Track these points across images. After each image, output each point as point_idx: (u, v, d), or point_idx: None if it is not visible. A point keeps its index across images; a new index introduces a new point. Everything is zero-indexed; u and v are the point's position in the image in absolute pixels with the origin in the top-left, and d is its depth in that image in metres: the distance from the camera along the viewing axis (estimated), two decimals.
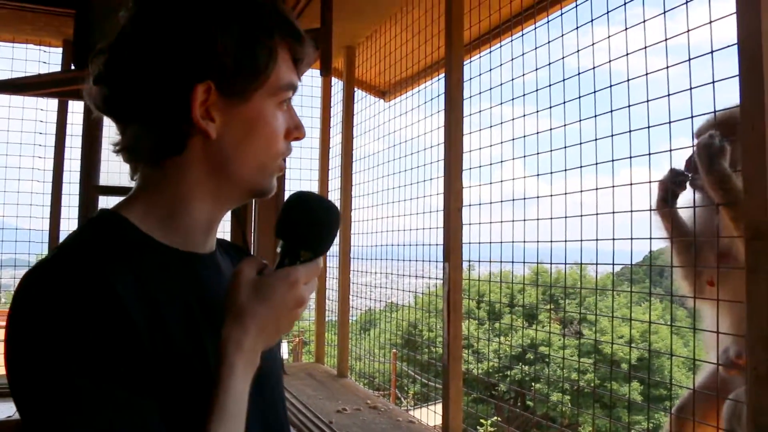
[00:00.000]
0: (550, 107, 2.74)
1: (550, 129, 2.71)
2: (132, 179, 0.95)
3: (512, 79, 2.99)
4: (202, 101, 0.87)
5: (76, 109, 4.83)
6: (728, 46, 1.93)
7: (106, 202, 4.22)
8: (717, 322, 2.09)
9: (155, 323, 0.80)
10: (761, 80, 1.75)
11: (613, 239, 2.38)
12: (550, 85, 2.76)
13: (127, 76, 0.87)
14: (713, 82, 2.08)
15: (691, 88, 2.18)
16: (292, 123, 0.97)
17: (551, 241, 2.66)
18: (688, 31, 2.18)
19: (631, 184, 2.38)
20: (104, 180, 4.23)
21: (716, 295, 2.13)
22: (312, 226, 0.90)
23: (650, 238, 2.28)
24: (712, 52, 2.08)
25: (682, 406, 2.43)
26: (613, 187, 2.38)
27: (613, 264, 2.49)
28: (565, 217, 2.60)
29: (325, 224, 0.91)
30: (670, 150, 2.31)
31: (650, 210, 2.33)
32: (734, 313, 2.11)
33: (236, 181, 0.94)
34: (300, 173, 5.30)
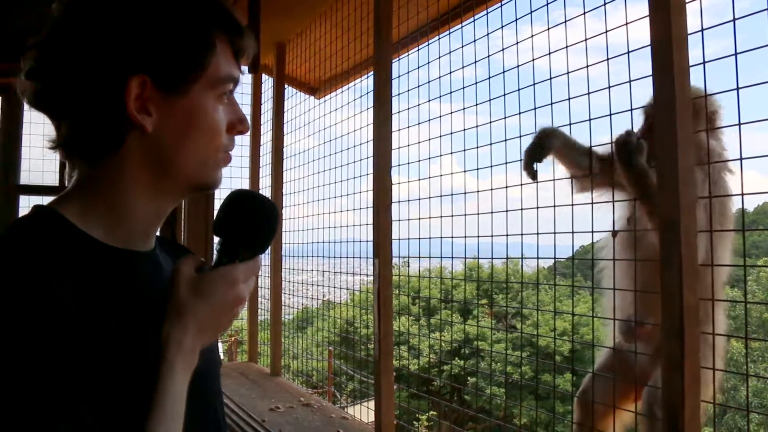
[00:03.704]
0: (476, 104, 2.78)
1: (476, 126, 2.75)
2: (70, 176, 0.92)
3: (440, 77, 3.02)
4: (137, 95, 0.85)
5: None
6: (643, 47, 2.00)
7: (28, 201, 4.07)
8: (634, 300, 2.17)
9: (94, 322, 0.78)
10: (672, 80, 1.82)
11: (537, 234, 2.44)
12: (476, 83, 2.81)
13: (59, 71, 0.85)
14: (629, 81, 2.15)
15: (609, 87, 2.25)
16: (234, 116, 0.95)
17: (477, 237, 2.71)
18: (606, 32, 2.24)
19: (554, 180, 2.45)
20: (25, 179, 4.09)
21: (621, 254, 2.23)
22: (252, 225, 0.89)
23: (572, 232, 2.34)
24: (628, 52, 2.15)
25: (584, 390, 2.52)
26: (537, 182, 2.44)
27: (538, 258, 2.55)
28: (491, 212, 2.65)
29: (266, 224, 0.91)
30: (590, 146, 2.39)
31: (572, 205, 2.40)
32: (641, 278, 2.17)
33: (178, 176, 0.92)
34: (230, 170, 5.22)
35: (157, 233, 1.01)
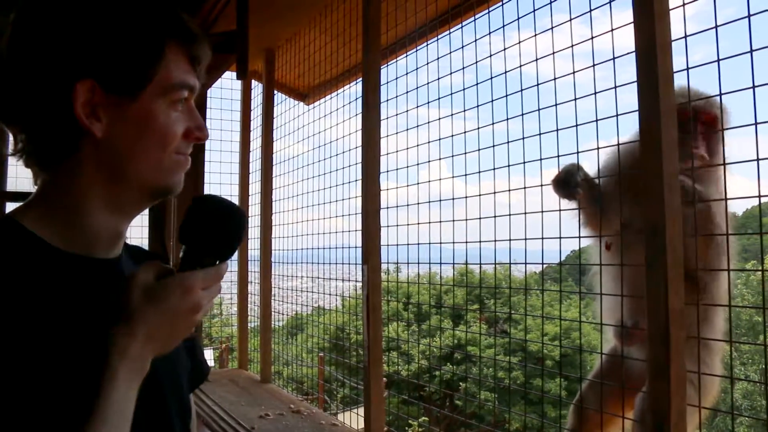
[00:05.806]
0: (464, 110, 2.79)
1: (464, 132, 2.76)
2: (35, 185, 0.93)
3: (428, 83, 3.03)
4: (85, 100, 0.85)
5: None
6: (628, 53, 2.01)
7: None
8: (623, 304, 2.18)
9: (41, 327, 0.79)
10: (656, 86, 1.84)
11: (525, 239, 2.45)
12: (464, 89, 2.82)
13: (9, 79, 0.86)
14: (615, 87, 2.16)
15: (595, 93, 2.26)
16: (192, 123, 0.95)
17: (466, 242, 2.72)
18: (593, 38, 2.26)
19: (541, 186, 2.46)
20: (12, 185, 4.07)
21: (614, 260, 2.24)
22: (215, 231, 0.87)
23: (559, 238, 2.35)
24: (614, 58, 2.16)
25: (582, 398, 2.52)
26: (525, 188, 2.45)
27: (525, 263, 2.55)
28: (479, 218, 2.66)
29: (229, 230, 0.89)
30: (577, 152, 2.39)
31: (559, 210, 2.41)
32: (631, 284, 2.19)
33: (133, 182, 0.92)
34: (220, 177, 5.22)
35: (128, 241, 1.01)
